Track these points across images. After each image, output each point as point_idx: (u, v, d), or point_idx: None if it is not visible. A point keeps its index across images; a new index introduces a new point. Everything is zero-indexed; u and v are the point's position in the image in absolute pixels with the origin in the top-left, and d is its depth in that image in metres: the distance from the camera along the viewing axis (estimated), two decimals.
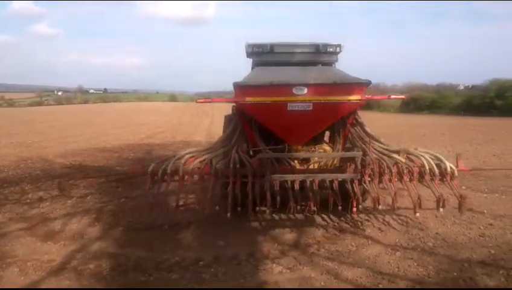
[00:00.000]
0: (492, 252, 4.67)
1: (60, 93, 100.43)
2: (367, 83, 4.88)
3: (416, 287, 3.90)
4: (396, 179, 4.92)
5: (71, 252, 4.76)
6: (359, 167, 4.84)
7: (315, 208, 4.82)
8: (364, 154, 4.94)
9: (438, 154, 5.19)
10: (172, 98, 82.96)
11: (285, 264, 4.41)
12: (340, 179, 4.82)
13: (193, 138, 17.48)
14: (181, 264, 4.43)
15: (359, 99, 4.88)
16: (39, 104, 67.17)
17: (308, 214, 5.18)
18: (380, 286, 3.90)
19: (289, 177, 4.73)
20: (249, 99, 4.81)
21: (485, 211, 6.18)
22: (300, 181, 4.75)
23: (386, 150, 5.26)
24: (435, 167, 4.88)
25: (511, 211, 6.17)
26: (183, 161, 5.08)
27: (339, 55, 6.22)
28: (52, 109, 50.30)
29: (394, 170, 4.88)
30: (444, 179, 4.97)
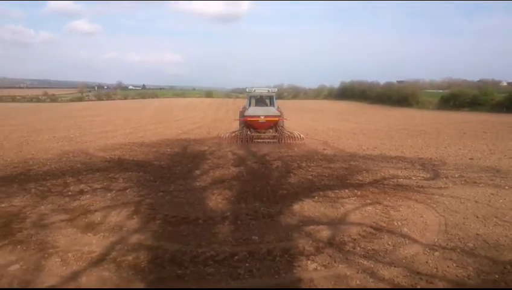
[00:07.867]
0: None
1: (105, 87, 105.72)
2: (281, 114, 16.47)
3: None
4: (288, 140, 15.58)
5: (110, 243, 4.90)
6: (280, 137, 15.92)
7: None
8: (281, 133, 15.90)
9: (300, 133, 15.76)
10: (209, 94, 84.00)
11: (320, 262, 4.38)
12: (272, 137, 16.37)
13: None
14: (216, 259, 4.48)
15: (279, 119, 16.22)
16: (80, 99, 69.50)
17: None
18: (418, 287, 3.81)
19: (257, 135, 16.05)
20: (248, 119, 15.85)
21: None
22: (260, 137, 16.21)
23: (288, 131, 16.06)
24: (299, 136, 15.57)
25: None
26: (229, 133, 15.96)
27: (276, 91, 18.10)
28: (92, 105, 51.87)
29: (288, 136, 15.84)
30: (300, 139, 15.58)
